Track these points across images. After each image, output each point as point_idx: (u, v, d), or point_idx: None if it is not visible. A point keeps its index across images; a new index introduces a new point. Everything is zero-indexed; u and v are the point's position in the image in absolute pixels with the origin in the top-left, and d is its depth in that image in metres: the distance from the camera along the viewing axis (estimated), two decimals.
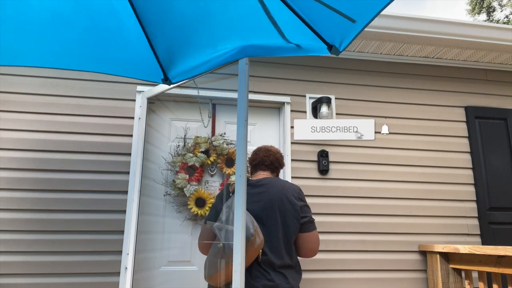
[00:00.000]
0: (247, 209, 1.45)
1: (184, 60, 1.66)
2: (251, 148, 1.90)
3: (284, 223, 1.53)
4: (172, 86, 1.92)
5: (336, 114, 2.65)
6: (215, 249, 1.52)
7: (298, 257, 1.63)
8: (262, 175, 1.72)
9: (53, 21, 1.42)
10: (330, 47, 1.28)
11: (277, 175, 1.80)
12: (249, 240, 1.37)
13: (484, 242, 2.61)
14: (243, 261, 1.17)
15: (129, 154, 2.31)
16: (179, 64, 1.70)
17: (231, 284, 1.37)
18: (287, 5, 1.17)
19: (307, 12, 1.19)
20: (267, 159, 1.73)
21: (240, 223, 1.21)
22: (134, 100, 2.41)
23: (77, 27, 1.47)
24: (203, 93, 2.47)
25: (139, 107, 2.36)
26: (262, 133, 2.62)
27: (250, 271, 1.46)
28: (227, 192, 1.66)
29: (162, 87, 2.14)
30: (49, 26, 1.44)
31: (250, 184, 1.62)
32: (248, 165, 1.82)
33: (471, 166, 2.75)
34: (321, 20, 1.20)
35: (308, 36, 1.27)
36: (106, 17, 1.45)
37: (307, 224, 1.59)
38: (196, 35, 1.47)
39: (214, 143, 2.43)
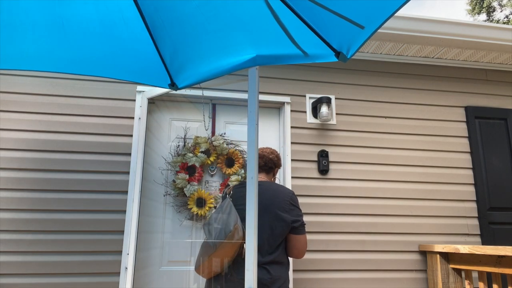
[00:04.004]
0: (237, 209, 1.61)
1: (192, 67, 1.64)
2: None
3: (272, 226, 1.62)
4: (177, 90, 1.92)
5: (336, 114, 2.65)
6: (203, 244, 1.70)
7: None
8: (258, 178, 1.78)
9: (63, 27, 1.42)
10: (338, 54, 1.27)
11: (274, 174, 1.90)
12: (226, 235, 1.55)
13: (484, 242, 2.61)
14: (255, 261, 1.22)
15: (129, 154, 2.31)
16: (187, 70, 1.68)
17: (215, 277, 1.60)
18: (294, 12, 1.16)
19: (314, 19, 1.18)
20: (260, 161, 1.83)
21: (252, 226, 1.24)
22: (134, 100, 2.41)
23: (86, 33, 1.47)
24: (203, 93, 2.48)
25: (139, 107, 2.37)
26: (262, 133, 2.62)
27: (234, 266, 1.60)
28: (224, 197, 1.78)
29: (163, 88, 2.13)
30: (60, 32, 1.43)
31: (245, 186, 1.67)
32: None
33: (471, 166, 2.75)
34: (329, 26, 1.18)
35: (315, 43, 1.25)
36: (114, 23, 1.44)
37: (299, 228, 1.68)
38: (206, 42, 1.46)
39: (214, 143, 2.43)
